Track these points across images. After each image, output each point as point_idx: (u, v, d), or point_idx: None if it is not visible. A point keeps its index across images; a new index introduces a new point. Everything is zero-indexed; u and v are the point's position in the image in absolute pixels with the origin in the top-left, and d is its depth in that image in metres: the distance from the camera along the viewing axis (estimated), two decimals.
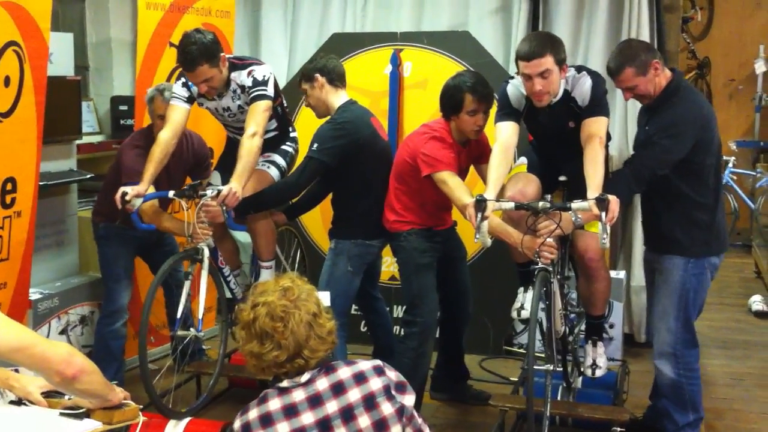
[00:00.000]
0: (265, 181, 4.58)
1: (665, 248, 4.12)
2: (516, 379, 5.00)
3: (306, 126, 5.01)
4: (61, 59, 5.07)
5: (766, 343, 6.23)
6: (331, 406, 2.32)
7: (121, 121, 5.99)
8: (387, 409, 2.33)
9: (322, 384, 2.34)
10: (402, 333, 4.71)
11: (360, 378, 2.36)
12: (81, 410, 2.63)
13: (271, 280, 2.47)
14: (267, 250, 4.72)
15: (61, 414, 2.63)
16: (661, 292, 4.16)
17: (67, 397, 2.68)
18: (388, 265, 5.52)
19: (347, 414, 2.31)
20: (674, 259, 4.08)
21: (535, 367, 3.76)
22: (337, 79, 4.58)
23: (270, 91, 4.39)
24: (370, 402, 2.33)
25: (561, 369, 4.21)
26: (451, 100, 4.34)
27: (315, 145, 4.41)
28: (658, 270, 4.19)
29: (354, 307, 5.12)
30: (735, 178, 9.29)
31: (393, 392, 2.36)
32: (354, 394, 2.33)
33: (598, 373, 4.35)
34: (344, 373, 2.37)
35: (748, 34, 10.43)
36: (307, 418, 2.30)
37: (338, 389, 2.34)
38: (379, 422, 2.32)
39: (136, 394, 3.22)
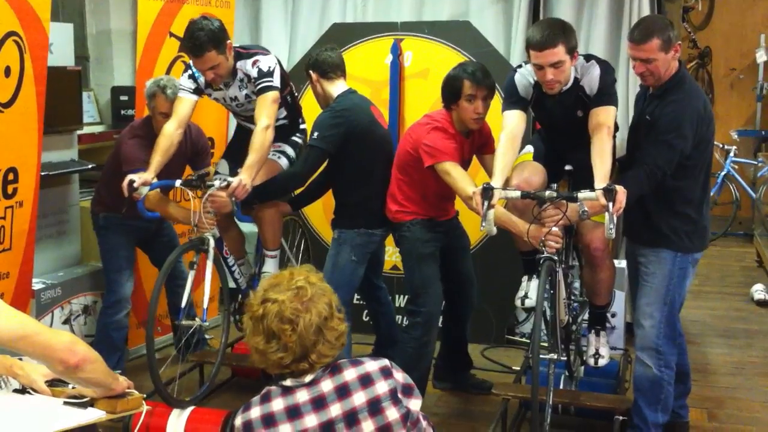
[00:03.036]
0: (275, 172, 4.58)
1: (653, 241, 4.03)
2: (518, 368, 5.00)
3: (308, 113, 5.00)
4: (61, 49, 5.05)
5: (767, 331, 6.23)
6: (335, 410, 2.25)
7: (122, 112, 5.99)
8: (392, 414, 2.27)
9: (327, 385, 2.28)
10: (405, 323, 4.71)
11: (366, 381, 2.29)
12: (85, 399, 2.62)
13: (286, 272, 2.37)
14: (273, 239, 4.72)
15: (65, 403, 2.62)
16: (648, 286, 4.07)
17: (71, 386, 2.67)
18: (390, 255, 5.52)
19: (351, 418, 2.25)
20: (662, 252, 4.01)
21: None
22: (331, 71, 4.56)
23: (276, 81, 4.38)
24: (375, 407, 2.26)
25: (564, 358, 4.20)
26: (450, 87, 4.33)
27: (315, 134, 4.42)
28: (642, 263, 4.09)
29: (356, 296, 5.12)
30: (736, 167, 9.29)
31: (399, 396, 2.30)
32: (359, 398, 2.27)
33: (601, 362, 4.34)
34: (350, 374, 2.30)
35: (749, 24, 10.43)
36: (311, 420, 2.25)
37: (343, 392, 2.27)
38: (383, 428, 2.26)
39: (138, 383, 3.22)
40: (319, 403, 2.26)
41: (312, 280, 2.34)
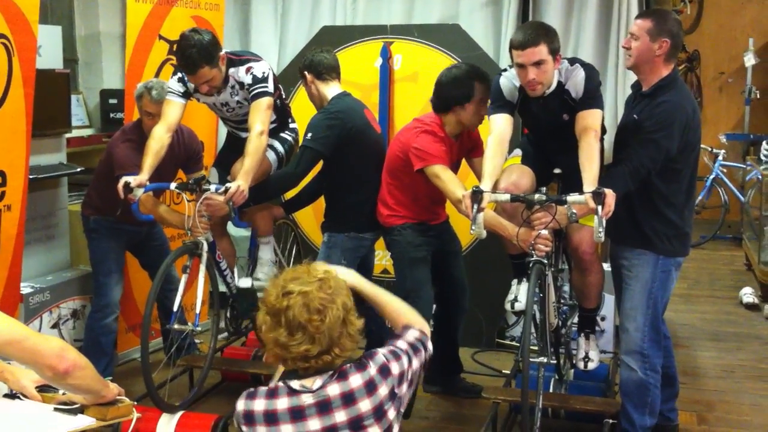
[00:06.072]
0: (265, 167, 4.56)
1: (636, 243, 4.02)
2: (508, 372, 5.00)
3: (298, 115, 5.00)
4: (49, 52, 5.04)
5: (756, 335, 6.25)
6: (340, 416, 2.26)
7: (111, 115, 5.98)
8: (391, 413, 2.32)
9: (333, 390, 2.27)
10: None
11: (371, 387, 2.29)
12: (75, 406, 2.61)
13: (302, 267, 2.36)
14: (264, 227, 4.73)
15: (56, 409, 2.61)
16: (631, 290, 4.06)
17: (61, 392, 2.66)
18: (380, 258, 5.51)
19: (356, 425, 2.27)
20: (644, 255, 4.00)
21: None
22: (326, 72, 4.57)
23: (270, 87, 4.38)
24: (379, 411, 2.29)
25: (554, 361, 4.20)
26: (460, 90, 4.30)
27: (309, 135, 4.41)
28: (625, 266, 4.09)
29: None
30: (725, 171, 9.29)
31: (395, 390, 2.33)
32: (365, 405, 2.28)
33: (591, 366, 4.35)
34: (356, 381, 2.29)
35: (737, 27, 10.47)
36: (314, 424, 2.25)
37: (349, 400, 2.27)
38: (386, 429, 2.31)
39: (127, 387, 3.20)
40: (323, 408, 2.26)
41: (331, 273, 2.36)
